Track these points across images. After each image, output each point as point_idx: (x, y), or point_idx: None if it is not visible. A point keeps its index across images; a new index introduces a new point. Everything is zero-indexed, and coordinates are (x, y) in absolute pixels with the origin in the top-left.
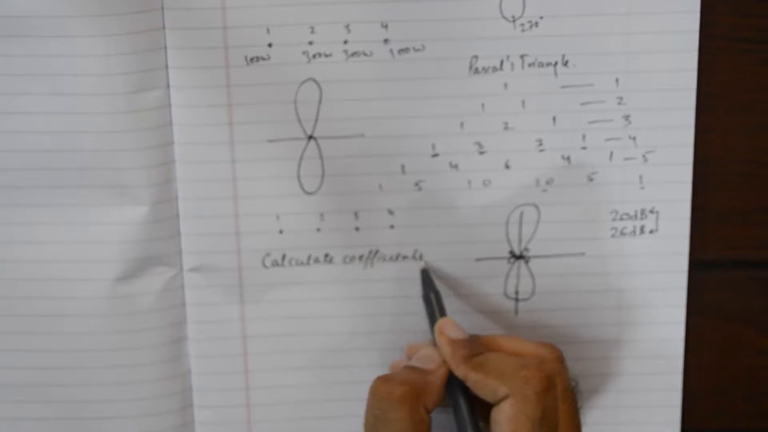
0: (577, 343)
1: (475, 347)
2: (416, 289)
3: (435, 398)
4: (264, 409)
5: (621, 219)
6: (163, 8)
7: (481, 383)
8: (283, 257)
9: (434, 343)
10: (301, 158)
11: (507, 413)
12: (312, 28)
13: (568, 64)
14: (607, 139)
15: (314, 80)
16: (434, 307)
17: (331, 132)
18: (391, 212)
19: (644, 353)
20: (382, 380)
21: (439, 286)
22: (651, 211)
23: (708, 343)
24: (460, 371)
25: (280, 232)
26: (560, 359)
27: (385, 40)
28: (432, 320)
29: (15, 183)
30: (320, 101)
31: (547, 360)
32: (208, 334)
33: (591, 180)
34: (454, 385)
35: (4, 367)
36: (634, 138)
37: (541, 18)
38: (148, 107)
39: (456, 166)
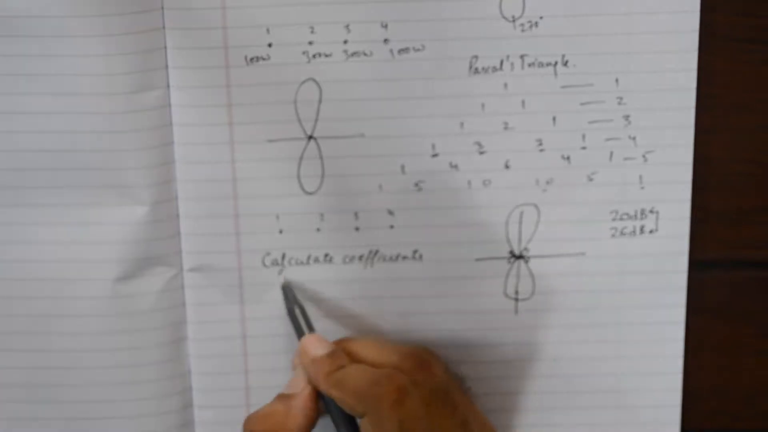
0: (576, 343)
1: (337, 361)
2: (416, 288)
3: (302, 422)
4: None
5: (621, 219)
6: (163, 8)
7: (340, 401)
8: (283, 257)
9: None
10: (301, 158)
11: (367, 430)
12: (312, 28)
13: (568, 64)
14: (607, 139)
15: (314, 80)
16: (301, 322)
17: (331, 132)
18: (391, 212)
19: (644, 353)
20: (246, 420)
21: (440, 286)
22: (651, 211)
23: (708, 343)
24: (323, 389)
25: (280, 232)
26: (423, 365)
27: (385, 40)
28: (299, 335)
29: (15, 183)
30: (320, 101)
31: (400, 371)
32: (208, 334)
33: (591, 180)
34: (330, 401)
35: (4, 367)
36: (634, 138)
37: (541, 18)
38: (148, 107)
39: (456, 166)
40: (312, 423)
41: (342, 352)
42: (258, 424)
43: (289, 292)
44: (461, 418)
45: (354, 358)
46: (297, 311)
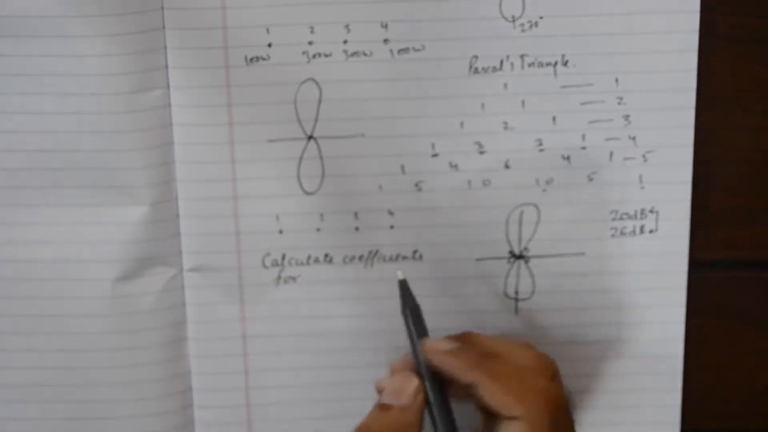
0: (576, 343)
1: (476, 350)
2: (416, 288)
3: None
4: (264, 409)
5: (621, 219)
6: (163, 8)
7: (494, 395)
8: (283, 257)
9: (409, 367)
10: (301, 158)
11: (519, 429)
12: (312, 28)
13: (568, 64)
14: (607, 139)
15: (314, 80)
16: (410, 323)
17: (331, 132)
18: (391, 212)
19: (644, 353)
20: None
21: (440, 286)
22: (651, 211)
23: (708, 343)
24: (471, 376)
25: (280, 232)
26: (556, 374)
27: (385, 40)
28: (415, 334)
29: (15, 183)
30: (320, 101)
31: (556, 383)
32: (208, 334)
33: (591, 180)
34: (440, 404)
35: (4, 367)
36: (634, 138)
37: (541, 18)
38: (148, 107)
39: (456, 166)
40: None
41: (476, 345)
42: None
43: (405, 290)
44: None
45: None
46: (408, 312)
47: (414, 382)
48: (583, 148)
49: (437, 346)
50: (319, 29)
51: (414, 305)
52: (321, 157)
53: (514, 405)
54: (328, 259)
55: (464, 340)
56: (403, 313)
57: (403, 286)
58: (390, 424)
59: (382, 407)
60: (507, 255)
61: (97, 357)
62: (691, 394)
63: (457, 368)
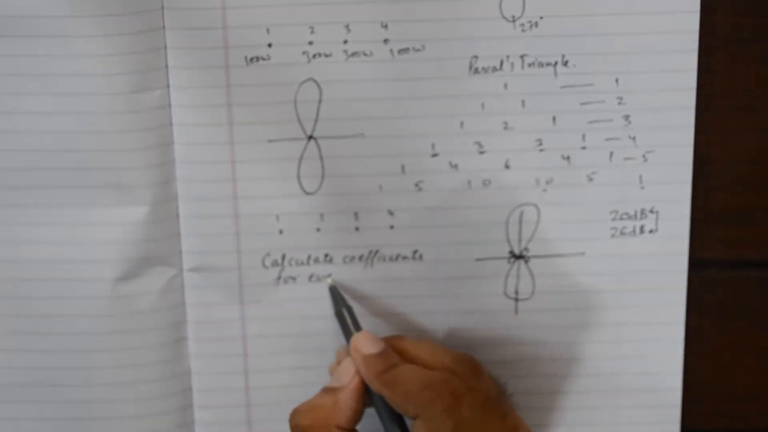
0: (576, 343)
1: (388, 360)
2: (416, 288)
3: (348, 415)
4: (264, 409)
5: (621, 219)
6: (163, 8)
7: (392, 401)
8: (283, 257)
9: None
10: (301, 158)
11: (420, 431)
12: (312, 28)
13: (568, 64)
14: (607, 139)
15: (314, 80)
16: (348, 323)
17: (331, 132)
18: (391, 212)
19: (644, 353)
20: (292, 413)
21: (440, 286)
22: (651, 211)
23: (708, 343)
24: (374, 387)
25: (280, 232)
26: (473, 371)
27: (385, 40)
28: (347, 336)
29: (15, 183)
30: (320, 101)
31: (454, 376)
32: (208, 334)
33: (591, 180)
34: (378, 398)
35: (5, 367)
36: (634, 138)
37: (541, 18)
38: (148, 107)
39: (456, 166)
40: (358, 416)
41: (393, 351)
42: (304, 417)
43: (336, 294)
44: (511, 424)
45: (405, 357)
46: (344, 312)
47: (352, 368)
48: (583, 148)
49: (361, 347)
50: (319, 29)
51: (348, 306)
52: (321, 157)
53: (408, 405)
54: (328, 259)
55: (390, 344)
56: (338, 314)
57: (334, 291)
58: (326, 401)
59: (324, 389)
60: (507, 255)
61: (97, 357)
62: (691, 394)
63: (365, 376)
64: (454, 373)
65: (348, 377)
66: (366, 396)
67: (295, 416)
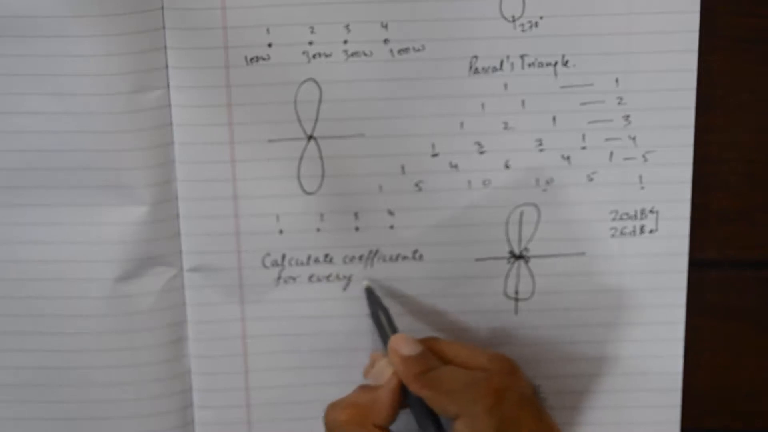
0: (576, 343)
1: (427, 362)
2: (416, 288)
3: (385, 413)
4: (264, 409)
5: (621, 219)
6: (163, 8)
7: (432, 401)
8: (283, 257)
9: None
10: (301, 158)
11: (460, 431)
12: (312, 28)
13: (568, 64)
14: (607, 139)
15: (314, 80)
16: (384, 325)
17: (331, 132)
18: (391, 212)
19: (644, 353)
20: (329, 407)
21: (440, 286)
22: (651, 211)
23: (708, 343)
24: (413, 389)
25: (280, 232)
26: (511, 371)
27: (385, 40)
28: (384, 338)
29: (15, 183)
30: (320, 101)
31: (495, 374)
32: (208, 334)
33: (591, 180)
34: (414, 397)
35: (5, 367)
36: (634, 138)
37: (541, 18)
38: (148, 107)
39: (456, 166)
40: (395, 416)
41: (431, 353)
42: (342, 413)
43: (372, 295)
44: (546, 424)
45: (441, 358)
46: (380, 314)
47: (390, 369)
48: (583, 148)
49: (400, 348)
50: (319, 29)
51: (385, 308)
52: (321, 157)
53: (450, 404)
54: (328, 259)
55: (426, 345)
56: (373, 315)
57: (370, 292)
58: (364, 398)
59: (362, 387)
60: (507, 255)
61: (97, 357)
62: (691, 394)
63: (404, 377)
64: (491, 372)
65: (385, 377)
66: (403, 397)
67: (332, 411)
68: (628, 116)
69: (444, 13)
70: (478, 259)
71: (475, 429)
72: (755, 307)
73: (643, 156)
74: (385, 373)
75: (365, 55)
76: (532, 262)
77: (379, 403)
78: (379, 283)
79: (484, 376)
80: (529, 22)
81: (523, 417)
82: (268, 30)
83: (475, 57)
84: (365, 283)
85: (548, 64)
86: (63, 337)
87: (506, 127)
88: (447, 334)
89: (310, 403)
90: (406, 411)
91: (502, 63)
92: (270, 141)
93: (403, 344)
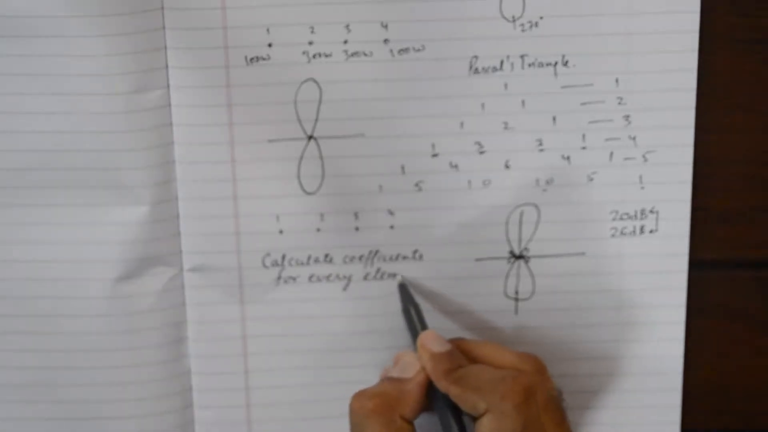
0: (576, 343)
1: (456, 360)
2: (416, 289)
3: (412, 406)
4: (264, 409)
5: (621, 219)
6: (163, 8)
7: (461, 397)
8: (283, 257)
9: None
10: (301, 158)
11: (487, 428)
12: (312, 28)
13: (568, 64)
14: (607, 139)
15: (314, 80)
16: (415, 321)
17: (331, 132)
18: (391, 212)
19: (644, 353)
20: (356, 395)
21: (440, 286)
22: (651, 211)
23: (708, 343)
24: (442, 385)
25: (280, 232)
26: (540, 371)
27: (385, 40)
28: (413, 333)
29: (15, 183)
30: (320, 101)
31: (525, 373)
32: (208, 334)
33: (591, 180)
34: (439, 396)
35: (4, 367)
36: (634, 138)
37: (541, 18)
38: (148, 107)
39: (456, 166)
40: (421, 410)
41: (461, 349)
42: (369, 402)
43: (405, 291)
44: (566, 428)
45: (470, 358)
46: (411, 310)
47: (417, 363)
48: (583, 148)
49: (429, 345)
50: (319, 29)
51: (416, 304)
52: (321, 157)
53: (479, 401)
54: (328, 259)
55: (454, 345)
56: (405, 311)
57: (403, 288)
58: (392, 389)
59: (389, 379)
60: (507, 255)
61: (97, 357)
62: (691, 394)
63: (432, 373)
64: (522, 370)
65: (413, 371)
66: (429, 392)
67: (359, 398)
68: (628, 116)
69: (444, 13)
70: (478, 259)
71: (502, 426)
72: (755, 307)
73: (643, 156)
74: (414, 367)
75: (365, 55)
76: (532, 262)
77: (407, 395)
78: (411, 280)
79: (513, 374)
80: (529, 22)
81: (547, 419)
82: (268, 30)
83: (475, 57)
84: (399, 278)
85: (548, 64)
86: (63, 337)
87: (506, 127)
88: (446, 334)
89: (310, 403)
90: (426, 415)
91: (502, 63)
92: (270, 141)
93: (433, 341)
